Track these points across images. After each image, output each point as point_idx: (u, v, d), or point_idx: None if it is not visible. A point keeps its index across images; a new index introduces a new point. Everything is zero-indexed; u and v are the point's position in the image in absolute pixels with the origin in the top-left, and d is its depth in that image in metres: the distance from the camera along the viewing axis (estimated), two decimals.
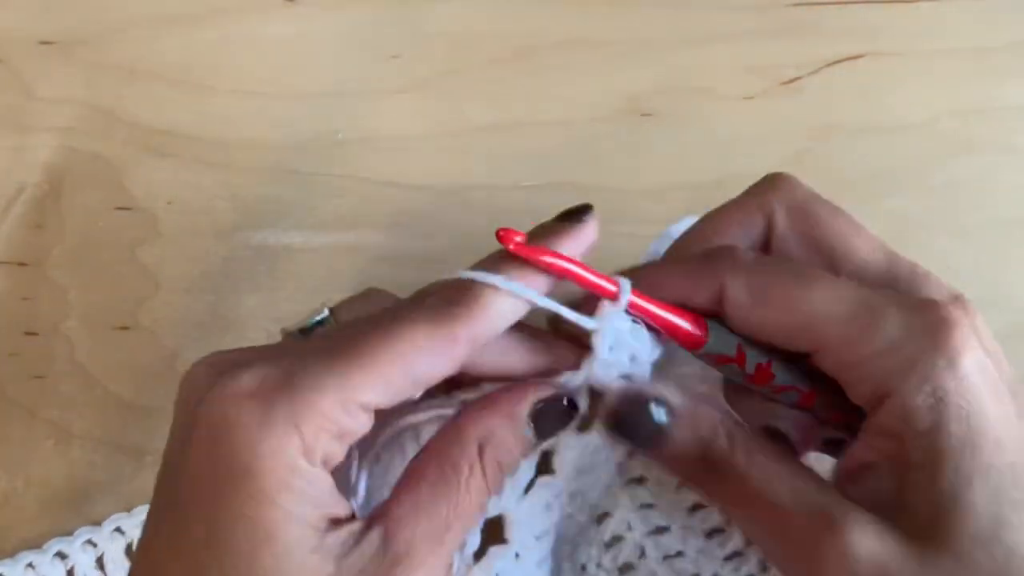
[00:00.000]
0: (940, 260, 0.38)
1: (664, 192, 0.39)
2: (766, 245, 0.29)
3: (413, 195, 0.40)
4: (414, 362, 0.24)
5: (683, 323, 0.27)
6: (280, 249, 0.39)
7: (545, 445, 0.28)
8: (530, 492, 0.28)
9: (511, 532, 0.27)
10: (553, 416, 0.27)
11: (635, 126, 0.40)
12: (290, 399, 0.23)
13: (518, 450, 0.27)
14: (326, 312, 0.31)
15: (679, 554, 0.31)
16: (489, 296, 0.25)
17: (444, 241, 0.39)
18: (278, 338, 0.34)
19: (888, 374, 0.25)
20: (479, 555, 0.27)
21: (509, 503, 0.28)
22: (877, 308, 0.26)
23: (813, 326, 0.26)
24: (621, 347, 0.27)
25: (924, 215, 0.39)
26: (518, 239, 0.26)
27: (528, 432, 0.26)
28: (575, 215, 0.28)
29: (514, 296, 0.26)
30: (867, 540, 0.24)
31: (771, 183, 0.30)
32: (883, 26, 0.41)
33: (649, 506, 0.31)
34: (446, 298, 0.25)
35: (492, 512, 0.28)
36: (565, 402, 0.27)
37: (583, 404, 0.27)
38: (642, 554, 0.31)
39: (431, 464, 0.26)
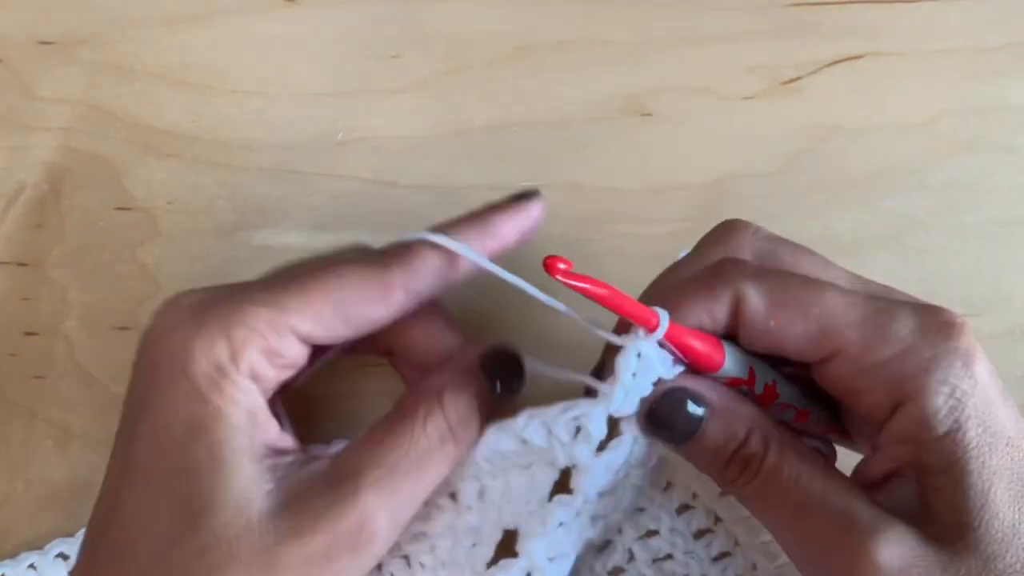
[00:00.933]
0: (940, 260, 0.38)
1: (664, 192, 0.39)
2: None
3: (413, 195, 0.40)
4: (346, 300, 0.26)
5: (705, 347, 0.27)
6: (280, 249, 0.39)
7: (564, 462, 0.27)
8: (545, 509, 0.28)
9: (523, 545, 0.28)
10: (502, 364, 0.28)
11: (635, 126, 0.40)
12: (222, 310, 0.25)
13: (477, 401, 0.28)
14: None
15: (668, 556, 0.31)
16: (426, 250, 0.27)
17: None
18: None
19: (905, 377, 0.25)
20: (490, 564, 0.28)
21: (521, 518, 0.28)
22: (889, 310, 0.26)
23: (829, 330, 0.26)
24: (645, 372, 0.27)
25: (924, 215, 0.39)
26: (562, 266, 0.26)
27: (487, 387, 0.28)
28: (520, 199, 0.30)
29: (451, 252, 0.27)
30: (895, 547, 0.24)
31: (729, 230, 0.30)
32: (883, 26, 0.41)
33: (639, 510, 0.31)
34: (387, 251, 0.27)
35: (509, 525, 0.28)
36: (510, 352, 0.28)
37: (602, 428, 0.27)
38: (631, 558, 0.31)
39: (389, 415, 0.28)
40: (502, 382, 0.28)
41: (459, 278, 0.29)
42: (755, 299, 0.26)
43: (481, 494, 0.29)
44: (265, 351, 0.25)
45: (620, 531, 0.31)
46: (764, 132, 0.40)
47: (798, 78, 0.41)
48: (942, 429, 0.24)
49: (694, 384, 0.27)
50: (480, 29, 0.42)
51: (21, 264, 0.39)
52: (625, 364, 0.26)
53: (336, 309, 0.26)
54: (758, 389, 0.28)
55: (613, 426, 0.28)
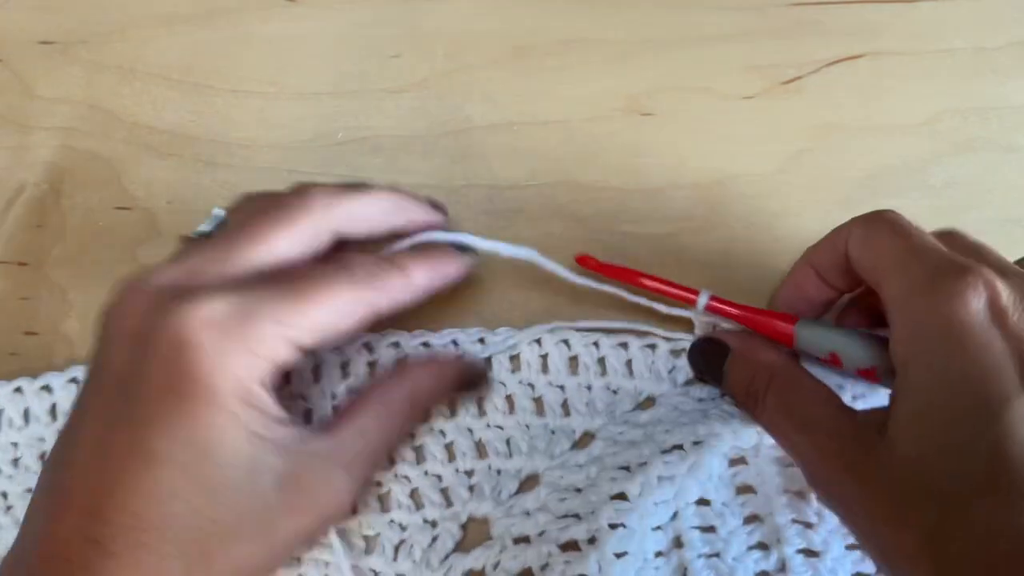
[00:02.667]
0: None
1: (664, 192, 0.39)
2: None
3: None
4: (341, 321, 0.30)
5: (742, 313, 0.34)
6: None
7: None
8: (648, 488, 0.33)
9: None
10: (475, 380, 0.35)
11: (635, 126, 0.40)
12: (245, 332, 0.28)
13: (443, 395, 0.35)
14: (223, 214, 0.34)
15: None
16: (414, 264, 0.32)
17: None
18: None
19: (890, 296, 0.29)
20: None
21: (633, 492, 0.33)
22: (917, 258, 0.28)
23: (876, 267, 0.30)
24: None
25: (924, 215, 0.39)
26: (595, 263, 0.35)
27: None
28: (462, 249, 0.35)
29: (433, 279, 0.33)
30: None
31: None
32: (883, 26, 0.41)
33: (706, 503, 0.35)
34: (374, 272, 0.31)
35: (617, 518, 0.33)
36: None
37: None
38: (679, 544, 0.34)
39: (373, 404, 0.33)
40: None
41: (441, 287, 0.34)
42: (855, 240, 0.31)
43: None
44: (277, 365, 0.29)
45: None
46: (764, 132, 0.40)
47: (798, 78, 0.41)
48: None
49: (728, 337, 0.34)
50: (480, 29, 0.42)
51: (21, 264, 0.39)
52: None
53: (333, 328, 0.30)
54: (824, 356, 0.33)
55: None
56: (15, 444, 0.37)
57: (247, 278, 0.30)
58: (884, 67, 0.41)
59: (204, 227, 0.34)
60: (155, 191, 0.40)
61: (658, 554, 0.34)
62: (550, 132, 0.40)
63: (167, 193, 0.40)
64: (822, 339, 0.33)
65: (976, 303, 0.26)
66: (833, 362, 0.33)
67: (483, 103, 0.41)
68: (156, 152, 0.41)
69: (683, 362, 0.36)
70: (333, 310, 0.30)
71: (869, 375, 0.33)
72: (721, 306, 0.34)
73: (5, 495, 0.36)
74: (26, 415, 0.37)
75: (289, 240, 0.31)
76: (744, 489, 0.35)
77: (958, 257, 0.28)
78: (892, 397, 0.28)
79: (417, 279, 0.33)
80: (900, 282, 0.28)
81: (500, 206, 0.39)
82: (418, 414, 0.35)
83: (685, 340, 0.36)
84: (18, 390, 0.37)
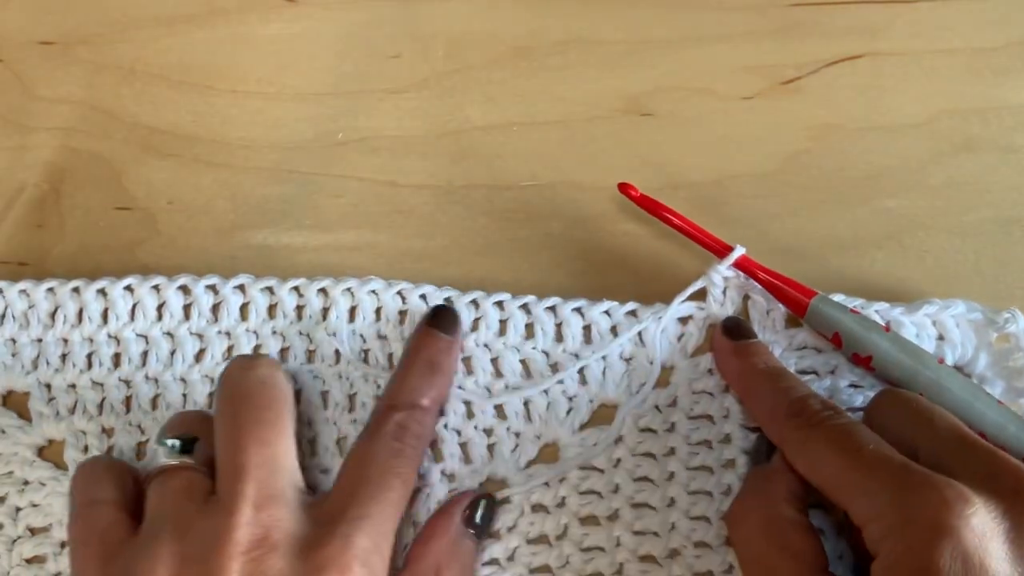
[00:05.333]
0: (940, 260, 0.38)
1: (664, 192, 0.39)
2: None
3: (413, 195, 0.40)
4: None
5: (772, 279, 0.35)
6: (280, 249, 0.39)
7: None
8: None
9: None
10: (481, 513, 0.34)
11: (635, 126, 0.40)
12: (373, 563, 0.30)
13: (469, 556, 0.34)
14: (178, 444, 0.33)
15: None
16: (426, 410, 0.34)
17: (444, 241, 0.39)
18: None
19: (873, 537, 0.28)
20: None
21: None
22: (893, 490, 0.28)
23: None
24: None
25: (924, 215, 0.39)
26: (636, 193, 0.37)
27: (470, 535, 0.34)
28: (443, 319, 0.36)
29: None
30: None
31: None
32: (883, 26, 0.41)
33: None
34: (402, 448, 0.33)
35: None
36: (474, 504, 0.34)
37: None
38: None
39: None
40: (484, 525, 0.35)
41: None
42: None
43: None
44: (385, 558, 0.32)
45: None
46: (764, 132, 0.40)
47: (798, 78, 0.41)
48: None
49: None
50: (480, 29, 0.42)
51: (21, 264, 0.39)
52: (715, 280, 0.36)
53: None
54: (845, 354, 0.35)
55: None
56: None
57: (307, 499, 0.32)
58: (884, 67, 0.41)
59: (175, 445, 0.33)
60: (155, 191, 0.40)
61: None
62: (550, 132, 0.40)
63: (167, 193, 0.40)
64: (829, 320, 0.34)
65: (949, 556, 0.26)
66: (835, 342, 0.34)
67: (483, 103, 0.41)
68: (156, 152, 0.41)
69: (692, 328, 0.36)
70: (399, 514, 0.32)
71: (864, 363, 0.34)
72: (750, 266, 0.35)
73: None
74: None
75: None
76: None
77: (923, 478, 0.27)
78: None
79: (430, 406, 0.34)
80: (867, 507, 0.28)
81: (500, 206, 0.39)
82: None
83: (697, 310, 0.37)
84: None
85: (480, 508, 0.34)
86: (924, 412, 0.30)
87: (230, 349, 0.37)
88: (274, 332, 0.37)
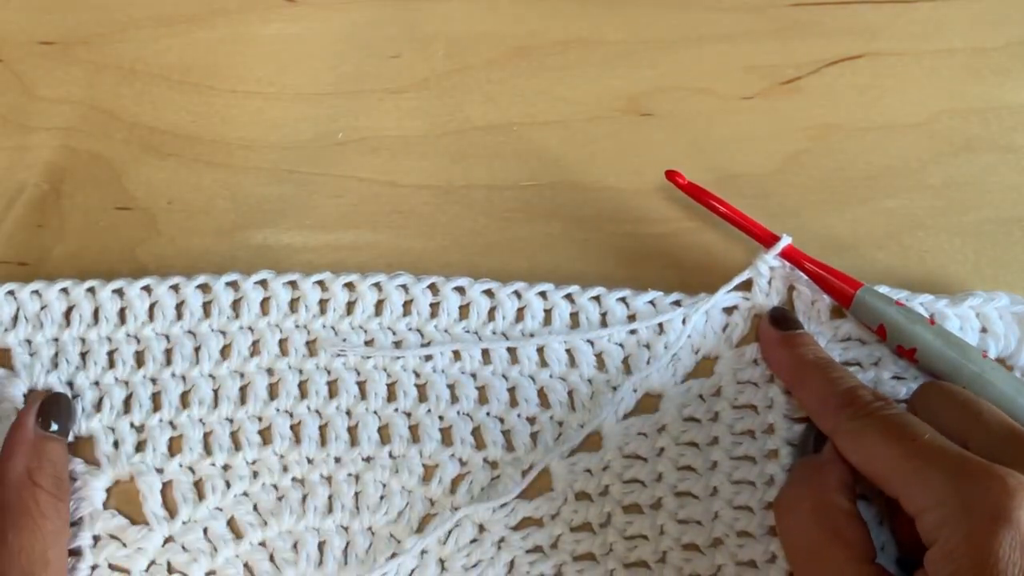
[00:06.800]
0: (940, 260, 0.38)
1: (664, 192, 0.39)
2: None
3: (413, 195, 0.40)
4: None
5: (820, 270, 0.35)
6: (280, 249, 0.39)
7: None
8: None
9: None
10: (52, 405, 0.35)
11: (635, 126, 0.40)
12: None
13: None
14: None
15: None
16: None
17: (444, 241, 0.39)
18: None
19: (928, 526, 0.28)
20: None
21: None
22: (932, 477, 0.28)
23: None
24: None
25: (924, 215, 0.39)
26: (683, 180, 0.37)
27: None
28: None
29: None
30: None
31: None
32: (883, 26, 0.41)
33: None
34: None
35: None
36: None
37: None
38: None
39: None
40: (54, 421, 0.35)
41: None
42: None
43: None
44: None
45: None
46: (764, 132, 0.40)
47: (798, 78, 0.41)
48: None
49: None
50: (480, 29, 0.42)
51: (21, 264, 0.39)
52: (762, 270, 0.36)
53: None
54: (890, 347, 0.35)
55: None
56: None
57: None
58: (883, 67, 0.41)
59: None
60: (155, 191, 0.40)
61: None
62: (550, 132, 0.40)
63: (167, 193, 0.40)
64: (874, 311, 0.34)
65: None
66: (879, 333, 0.35)
67: (483, 103, 0.41)
68: (156, 152, 0.41)
69: (736, 319, 0.37)
70: None
71: (908, 355, 0.34)
72: (796, 255, 0.35)
73: None
74: None
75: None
76: None
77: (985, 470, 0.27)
78: None
79: None
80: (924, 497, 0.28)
81: (500, 206, 0.39)
82: None
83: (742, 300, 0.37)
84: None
85: (51, 410, 0.35)
86: (972, 405, 0.31)
87: (255, 344, 0.37)
88: (297, 326, 0.37)
